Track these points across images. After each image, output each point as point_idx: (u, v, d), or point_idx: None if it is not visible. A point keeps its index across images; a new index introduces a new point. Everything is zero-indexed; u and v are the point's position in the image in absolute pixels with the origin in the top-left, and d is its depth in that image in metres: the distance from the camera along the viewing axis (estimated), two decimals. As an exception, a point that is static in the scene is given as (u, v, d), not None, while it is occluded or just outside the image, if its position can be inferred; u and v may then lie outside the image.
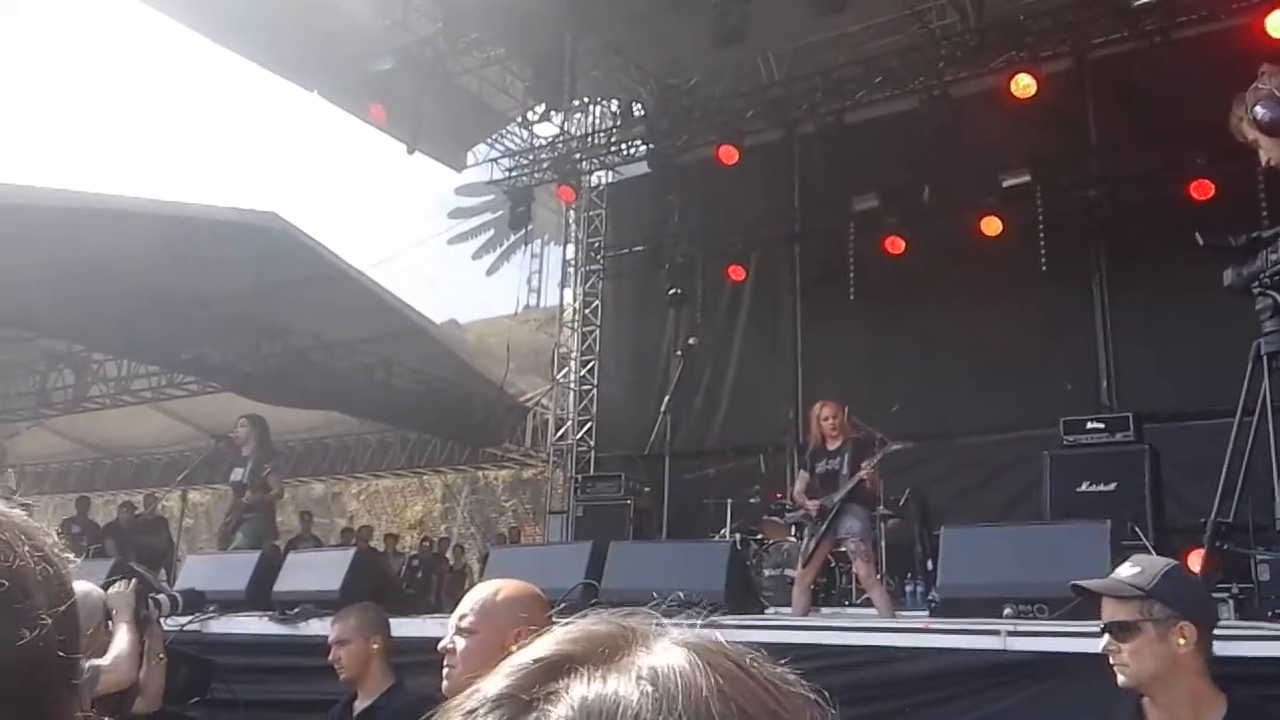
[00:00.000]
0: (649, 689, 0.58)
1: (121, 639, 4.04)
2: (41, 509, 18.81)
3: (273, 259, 12.39)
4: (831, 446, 7.30)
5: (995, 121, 10.68)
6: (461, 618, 2.61)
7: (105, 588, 4.31)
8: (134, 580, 4.34)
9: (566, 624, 0.65)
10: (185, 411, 16.55)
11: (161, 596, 4.49)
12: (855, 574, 7.54)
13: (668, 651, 0.61)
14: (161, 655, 4.30)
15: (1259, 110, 4.22)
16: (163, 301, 12.13)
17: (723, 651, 0.63)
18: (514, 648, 2.12)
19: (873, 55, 11.57)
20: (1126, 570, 2.67)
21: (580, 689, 0.58)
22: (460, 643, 2.57)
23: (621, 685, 0.58)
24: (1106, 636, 2.59)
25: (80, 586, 3.03)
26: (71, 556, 0.93)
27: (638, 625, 0.65)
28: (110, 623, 4.18)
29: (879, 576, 7.59)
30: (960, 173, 11.25)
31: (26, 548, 0.84)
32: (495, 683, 0.61)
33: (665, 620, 0.66)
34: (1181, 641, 2.52)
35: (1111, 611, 2.61)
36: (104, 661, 3.95)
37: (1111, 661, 2.58)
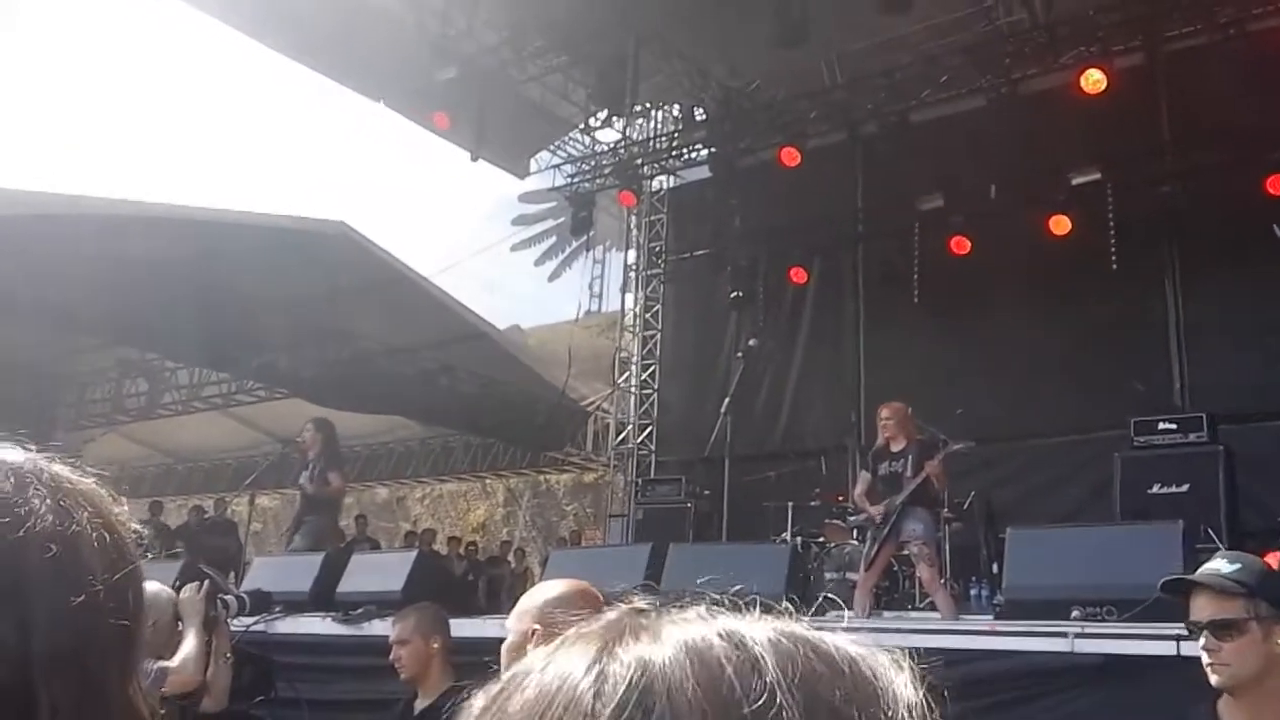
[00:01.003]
0: (729, 643, 0.58)
1: (189, 642, 4.13)
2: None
3: (339, 266, 12.55)
4: (895, 448, 7.22)
5: (1064, 118, 10.49)
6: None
7: (176, 590, 4.40)
8: (204, 584, 4.42)
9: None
10: (254, 417, 16.83)
11: (229, 597, 4.57)
12: (918, 577, 7.42)
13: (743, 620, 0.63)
14: (228, 655, 4.37)
15: None
16: (232, 309, 12.34)
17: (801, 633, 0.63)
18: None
19: (938, 54, 11.41)
20: (1225, 566, 2.53)
21: (670, 627, 0.60)
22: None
23: (705, 630, 0.60)
24: (1205, 635, 2.45)
25: (150, 586, 3.09)
26: (138, 528, 0.94)
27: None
28: (180, 624, 4.28)
29: (943, 580, 7.47)
30: (1028, 171, 11.06)
31: (86, 514, 0.85)
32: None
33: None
34: None
35: (1212, 609, 2.47)
36: (172, 663, 4.04)
37: (1209, 660, 2.44)
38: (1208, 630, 2.45)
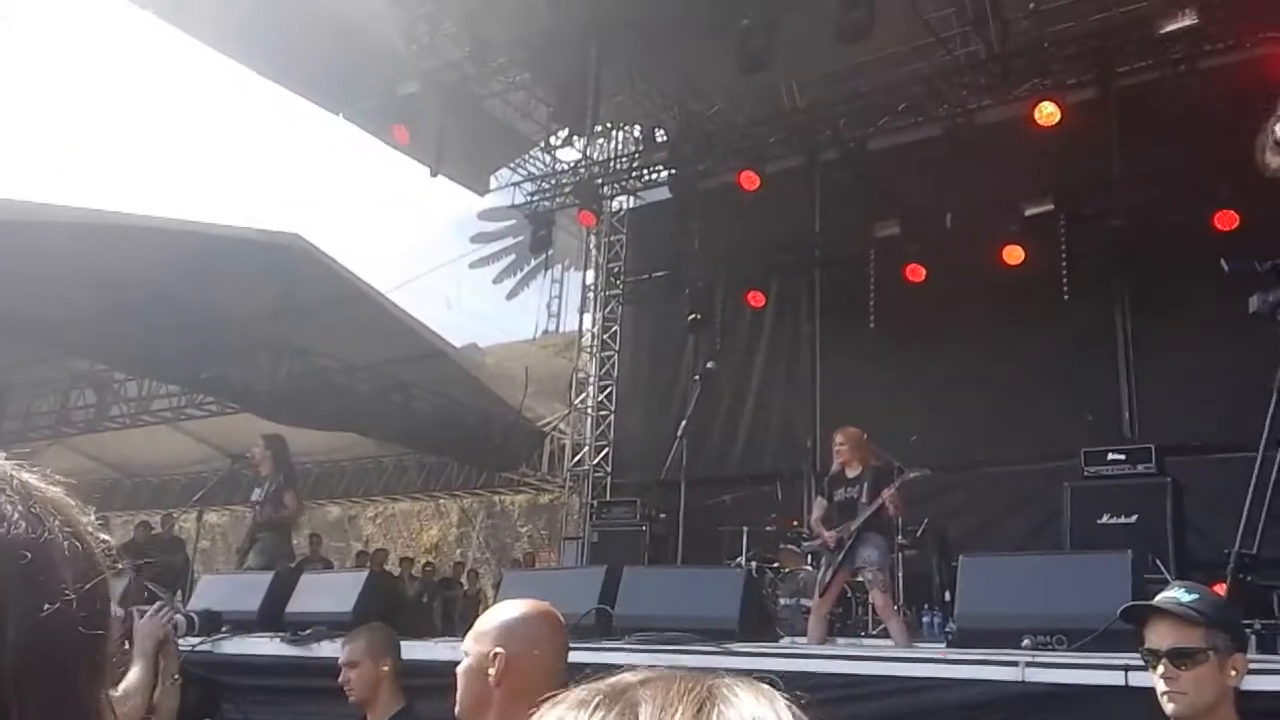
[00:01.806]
0: (786, 706, 0.66)
1: (136, 670, 4.06)
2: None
3: (294, 280, 12.44)
4: (850, 474, 7.26)
5: (1018, 149, 10.65)
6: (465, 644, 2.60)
7: (125, 612, 4.33)
8: (161, 608, 4.35)
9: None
10: (204, 432, 16.59)
11: (178, 617, 4.50)
12: (872, 604, 7.45)
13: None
14: (176, 676, 4.30)
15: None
16: (184, 321, 12.17)
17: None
18: (490, 671, 2.08)
19: (896, 82, 11.56)
20: (1184, 595, 2.54)
21: (735, 688, 0.67)
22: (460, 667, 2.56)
23: (765, 695, 0.67)
24: (1164, 663, 2.45)
25: None
26: (106, 537, 0.92)
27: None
28: (127, 644, 4.20)
29: (896, 607, 7.50)
30: (982, 201, 11.21)
31: (57, 522, 0.84)
32: (664, 683, 0.67)
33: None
34: (1234, 673, 2.45)
35: (1172, 637, 2.47)
36: (116, 693, 3.96)
37: (1165, 689, 2.44)
38: (1167, 658, 2.45)
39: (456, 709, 2.55)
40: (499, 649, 2.45)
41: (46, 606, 0.79)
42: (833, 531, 7.15)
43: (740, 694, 0.66)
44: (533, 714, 0.71)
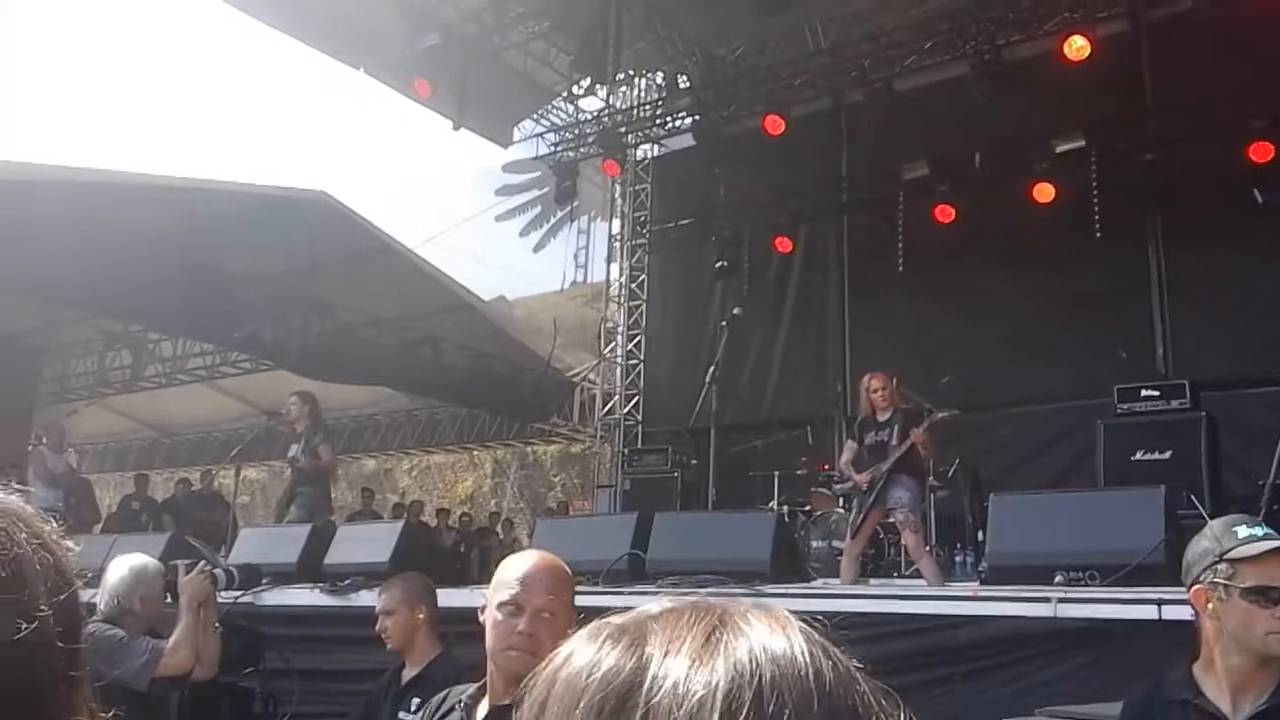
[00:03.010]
0: (801, 633, 0.66)
1: (184, 625, 4.19)
2: (103, 485, 19.20)
3: (322, 237, 12.45)
4: (881, 418, 7.26)
5: (1048, 86, 10.48)
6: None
7: (168, 565, 4.46)
8: (200, 564, 4.47)
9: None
10: (239, 389, 16.77)
11: (218, 571, 4.62)
12: (904, 545, 7.47)
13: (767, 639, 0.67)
14: (217, 625, 4.43)
15: None
16: (215, 280, 12.25)
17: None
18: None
19: (922, 20, 11.37)
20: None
21: (749, 617, 0.66)
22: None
23: (778, 622, 0.67)
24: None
25: (138, 559, 3.12)
26: (71, 545, 0.89)
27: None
28: (170, 598, 4.34)
29: (928, 547, 7.52)
30: (1012, 139, 11.06)
31: (24, 535, 0.82)
32: (618, 618, 0.68)
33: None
34: None
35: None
36: (166, 645, 4.10)
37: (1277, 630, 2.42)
38: None
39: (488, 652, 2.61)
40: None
41: (24, 625, 0.77)
42: (864, 473, 7.17)
43: (753, 622, 0.65)
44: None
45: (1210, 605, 2.50)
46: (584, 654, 0.65)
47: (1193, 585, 2.55)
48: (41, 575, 0.81)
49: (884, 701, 0.66)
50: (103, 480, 20.03)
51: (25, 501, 0.86)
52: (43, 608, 0.80)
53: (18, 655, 0.77)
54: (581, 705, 0.62)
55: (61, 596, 0.82)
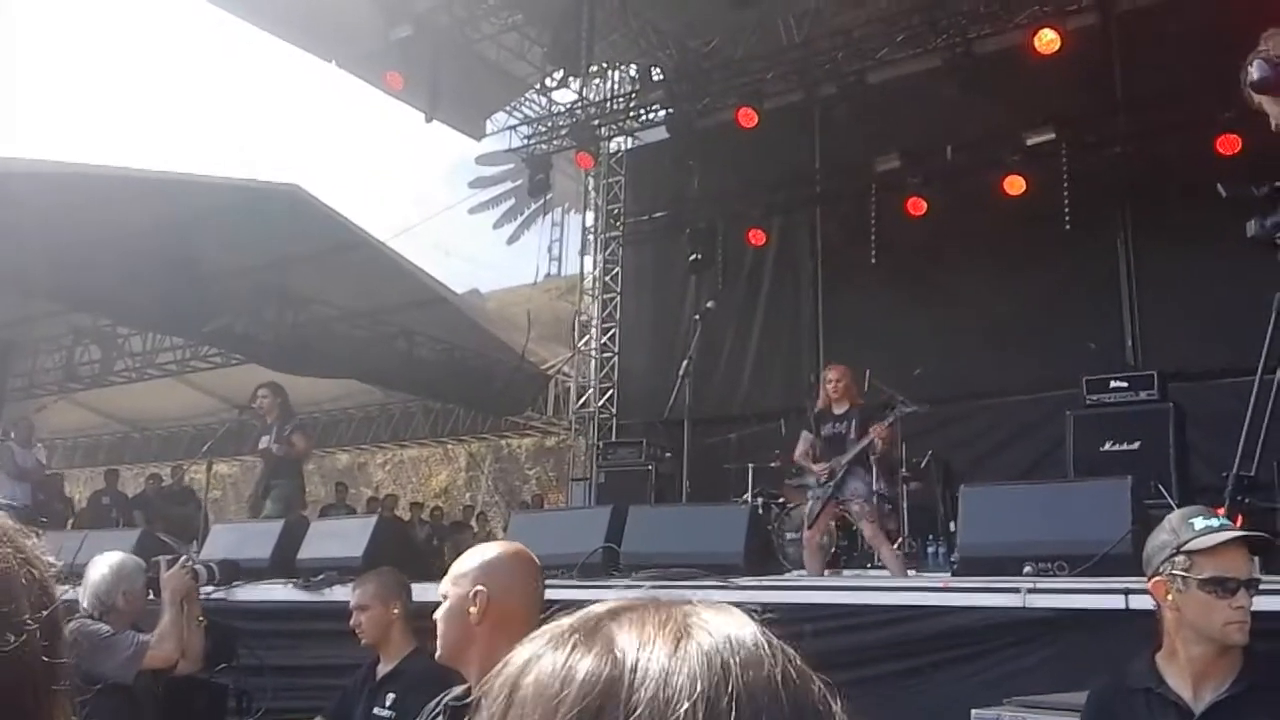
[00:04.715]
0: (759, 629, 0.67)
1: (167, 618, 4.24)
2: (73, 480, 19.05)
3: (294, 230, 12.40)
4: (838, 410, 7.28)
5: (1019, 79, 10.55)
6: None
7: (150, 562, 4.50)
8: (183, 559, 4.51)
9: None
10: (210, 384, 16.65)
11: (199, 566, 4.66)
12: (862, 534, 7.45)
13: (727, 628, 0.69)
14: (201, 619, 4.48)
15: (1252, 70, 4.17)
16: (185, 274, 12.17)
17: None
18: (472, 609, 2.10)
19: (894, 13, 11.41)
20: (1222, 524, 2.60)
21: (708, 615, 0.67)
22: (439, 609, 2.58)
23: (738, 620, 0.67)
24: (1242, 592, 2.48)
25: (117, 556, 3.13)
26: (52, 560, 0.89)
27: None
28: (151, 593, 4.38)
29: (901, 539, 7.57)
30: (983, 131, 11.14)
31: (9, 549, 0.82)
32: (573, 617, 0.68)
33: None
34: None
35: (1249, 567, 2.52)
36: (150, 639, 4.18)
37: (1238, 621, 2.46)
38: (1245, 587, 2.49)
39: (439, 653, 2.58)
40: (480, 587, 2.47)
41: (10, 640, 0.77)
42: (823, 464, 7.19)
43: (710, 618, 0.67)
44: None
45: (1170, 596, 2.54)
46: (550, 660, 0.65)
47: (1153, 577, 2.60)
48: (26, 590, 0.81)
49: (829, 694, 0.67)
50: (72, 475, 19.88)
51: None
52: (29, 622, 0.79)
53: (4, 669, 0.77)
54: (560, 715, 0.62)
55: (45, 611, 0.82)
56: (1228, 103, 9.21)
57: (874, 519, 7.16)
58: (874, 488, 7.22)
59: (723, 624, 0.66)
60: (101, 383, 15.88)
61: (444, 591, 2.57)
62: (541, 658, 0.65)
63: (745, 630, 0.66)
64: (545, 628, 0.68)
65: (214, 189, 11.98)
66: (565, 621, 0.68)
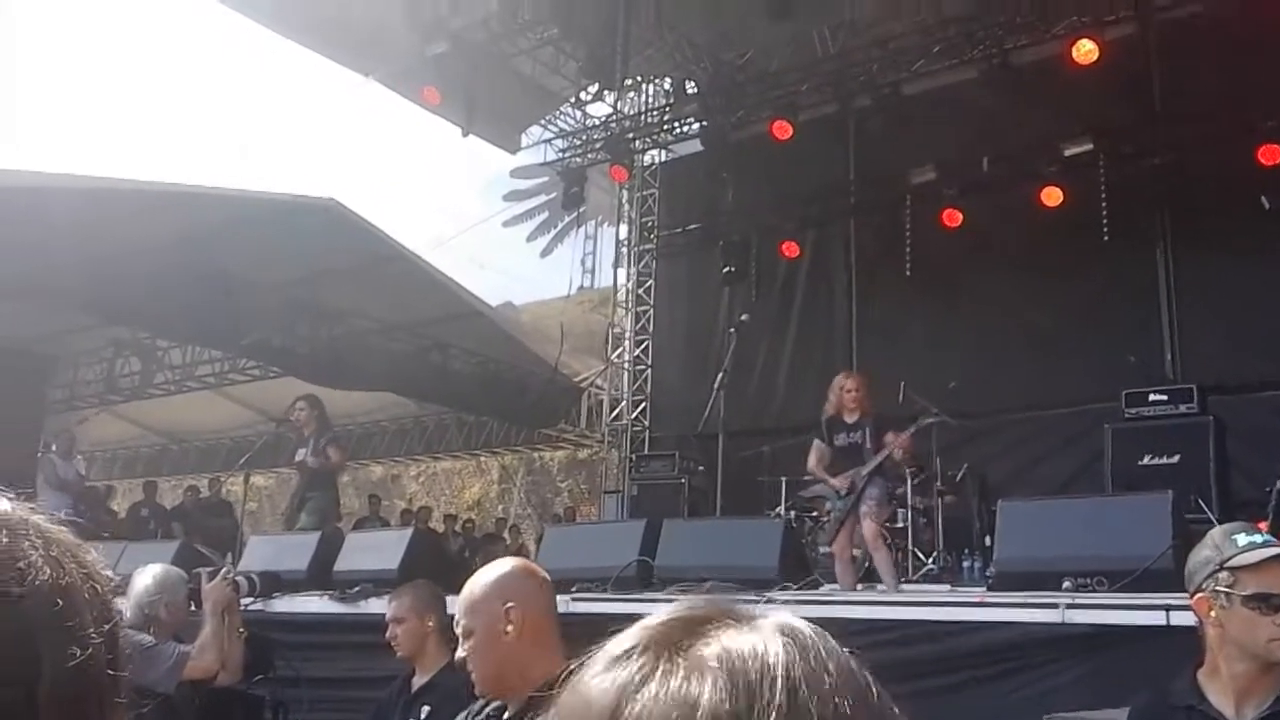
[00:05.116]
0: (787, 641, 0.64)
1: (209, 629, 4.30)
2: (111, 493, 19.24)
3: (330, 244, 12.51)
4: (850, 419, 7.15)
5: (1056, 90, 10.47)
6: (455, 624, 2.58)
7: (191, 574, 4.57)
8: (224, 571, 4.58)
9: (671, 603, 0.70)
10: (247, 397, 16.81)
11: (240, 578, 4.72)
12: (863, 534, 7.15)
13: (785, 617, 0.68)
14: (242, 630, 4.54)
15: None
16: (224, 287, 12.30)
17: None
18: (509, 627, 2.08)
19: (930, 24, 11.36)
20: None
21: (725, 635, 0.64)
22: (465, 646, 2.53)
23: (762, 636, 0.65)
24: None
25: (160, 567, 3.18)
26: (111, 574, 0.90)
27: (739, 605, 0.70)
28: (193, 605, 4.45)
29: (935, 553, 7.50)
30: (1020, 143, 11.06)
31: (73, 565, 0.83)
32: (635, 634, 0.66)
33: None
34: None
35: None
36: (192, 649, 4.26)
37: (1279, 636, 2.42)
38: None
39: (479, 688, 2.54)
40: (510, 603, 2.45)
41: (78, 653, 0.78)
42: (842, 477, 7.05)
43: (733, 630, 0.65)
44: (548, 663, 0.71)
45: (1213, 613, 2.51)
46: (653, 691, 0.62)
47: (1195, 593, 2.56)
48: (90, 604, 0.82)
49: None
50: (111, 487, 20.09)
51: (34, 510, 0.86)
52: (93, 635, 0.80)
53: (71, 683, 0.78)
54: None
55: (108, 625, 0.83)
56: (1269, 113, 9.14)
57: (878, 520, 7.04)
58: (889, 491, 7.16)
59: (742, 635, 0.66)
60: (141, 395, 16.06)
61: (466, 625, 2.51)
62: (639, 688, 0.62)
63: (765, 640, 0.65)
64: (608, 651, 0.65)
65: (251, 202, 12.12)
66: (631, 642, 0.65)
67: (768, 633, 0.64)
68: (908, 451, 7.15)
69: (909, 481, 9.22)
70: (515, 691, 2.44)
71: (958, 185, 11.35)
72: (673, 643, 0.63)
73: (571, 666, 0.68)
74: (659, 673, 0.62)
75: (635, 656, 0.63)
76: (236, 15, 12.19)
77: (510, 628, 2.44)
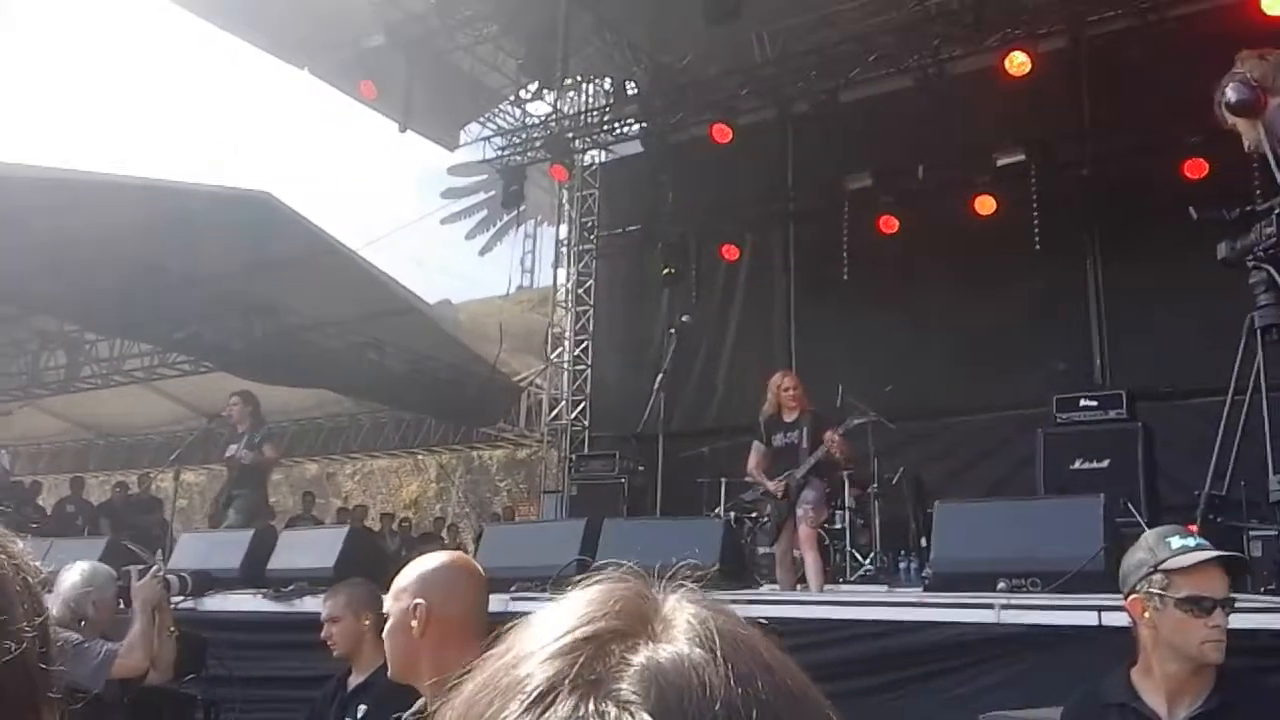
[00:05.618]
0: (706, 654, 0.58)
1: (137, 627, 4.23)
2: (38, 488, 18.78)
3: (265, 238, 12.34)
4: (788, 418, 7.16)
5: (990, 100, 10.64)
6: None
7: (120, 571, 4.49)
8: (154, 569, 4.50)
9: (576, 591, 0.65)
10: (178, 391, 16.52)
11: (172, 576, 4.65)
12: (798, 535, 7.13)
13: (701, 613, 0.62)
14: (173, 629, 4.47)
15: (1228, 92, 4.27)
16: (155, 280, 12.08)
17: (736, 618, 0.64)
18: (413, 623, 2.06)
19: (867, 33, 11.50)
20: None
21: (640, 659, 0.58)
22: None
23: (679, 649, 0.58)
24: (1218, 612, 2.51)
25: (89, 565, 3.12)
26: (40, 565, 0.86)
27: (649, 589, 0.65)
28: (122, 603, 4.37)
29: (871, 555, 7.57)
30: (954, 152, 11.22)
31: (2, 556, 0.80)
32: (544, 666, 0.58)
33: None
34: None
35: (1225, 587, 2.55)
36: (119, 648, 4.18)
37: (1217, 638, 2.50)
38: (1222, 606, 2.52)
39: (390, 671, 2.57)
40: (419, 600, 2.45)
41: (11, 647, 0.76)
42: (777, 481, 7.07)
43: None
44: (463, 661, 0.63)
45: (1147, 614, 2.58)
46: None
47: (1129, 595, 2.63)
48: (21, 597, 0.80)
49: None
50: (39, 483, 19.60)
51: None
52: (26, 629, 0.78)
53: (4, 677, 0.76)
54: None
55: (39, 618, 0.80)
56: (1195, 127, 9.36)
57: (814, 524, 7.02)
58: (825, 493, 7.16)
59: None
60: (68, 388, 15.72)
61: (386, 609, 2.55)
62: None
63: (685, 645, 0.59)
64: (519, 684, 0.58)
65: (183, 194, 11.91)
66: (545, 680, 0.57)
67: (683, 643, 0.58)
68: (844, 452, 7.17)
69: (846, 486, 9.31)
70: (430, 688, 2.44)
71: (894, 192, 11.52)
72: (591, 678, 0.56)
73: (461, 672, 0.62)
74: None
75: (560, 700, 0.56)
76: (171, 5, 11.96)
77: (415, 624, 2.44)
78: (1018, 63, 10.14)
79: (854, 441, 7.74)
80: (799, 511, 7.02)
